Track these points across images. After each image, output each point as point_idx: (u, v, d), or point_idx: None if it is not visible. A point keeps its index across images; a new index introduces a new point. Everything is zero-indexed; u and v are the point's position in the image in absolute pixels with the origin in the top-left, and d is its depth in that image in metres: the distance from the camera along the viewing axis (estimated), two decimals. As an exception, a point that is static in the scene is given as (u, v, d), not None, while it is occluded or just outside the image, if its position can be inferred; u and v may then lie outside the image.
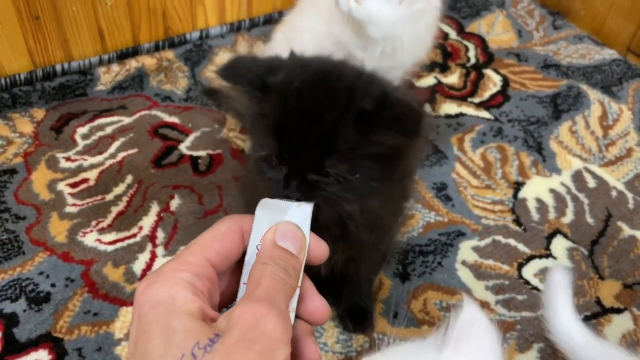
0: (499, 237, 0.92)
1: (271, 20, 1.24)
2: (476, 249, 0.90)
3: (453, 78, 1.21)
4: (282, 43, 0.95)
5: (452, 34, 1.32)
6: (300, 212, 0.42)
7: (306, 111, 0.49)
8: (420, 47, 0.92)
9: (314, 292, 0.40)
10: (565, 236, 0.93)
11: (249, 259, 0.39)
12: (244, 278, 0.39)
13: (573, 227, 0.94)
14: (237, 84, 0.52)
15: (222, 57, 1.19)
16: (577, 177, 1.02)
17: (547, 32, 1.34)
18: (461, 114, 1.13)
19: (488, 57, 1.27)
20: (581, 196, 0.99)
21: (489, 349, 0.43)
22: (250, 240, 0.40)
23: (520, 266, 0.89)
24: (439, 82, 1.19)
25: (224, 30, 1.22)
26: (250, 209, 0.42)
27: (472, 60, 1.25)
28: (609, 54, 1.28)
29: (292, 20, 0.99)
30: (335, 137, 0.49)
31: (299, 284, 0.39)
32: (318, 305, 0.40)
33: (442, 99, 1.16)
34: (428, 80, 1.19)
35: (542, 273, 0.88)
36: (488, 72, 1.23)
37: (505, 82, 1.20)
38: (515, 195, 0.99)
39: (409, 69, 0.97)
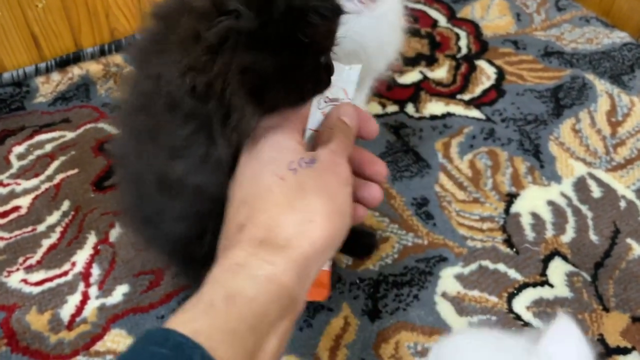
0: (487, 262, 0.80)
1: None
2: (459, 278, 0.78)
3: (441, 72, 1.07)
4: None
5: (442, 20, 1.19)
6: (349, 75, 0.53)
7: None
8: (387, 50, 0.79)
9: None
10: (565, 258, 0.80)
11: (313, 109, 0.52)
12: (310, 124, 0.52)
13: (574, 246, 0.82)
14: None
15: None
16: (580, 185, 0.89)
17: (549, 15, 1.20)
18: (448, 114, 0.99)
19: (481, 46, 1.13)
20: (584, 209, 0.86)
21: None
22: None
23: (510, 297, 0.76)
24: (425, 78, 1.06)
25: (180, 27, 1.09)
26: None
27: (464, 51, 1.12)
28: (619, 37, 1.14)
29: None
30: None
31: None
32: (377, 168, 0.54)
33: (427, 97, 1.02)
34: (412, 76, 1.06)
35: (536, 305, 0.75)
36: (481, 63, 1.09)
37: (500, 75, 1.07)
38: (507, 210, 0.86)
39: (378, 73, 0.85)
